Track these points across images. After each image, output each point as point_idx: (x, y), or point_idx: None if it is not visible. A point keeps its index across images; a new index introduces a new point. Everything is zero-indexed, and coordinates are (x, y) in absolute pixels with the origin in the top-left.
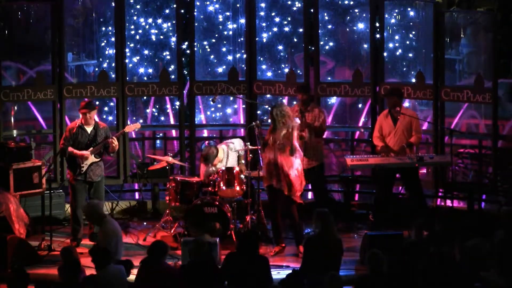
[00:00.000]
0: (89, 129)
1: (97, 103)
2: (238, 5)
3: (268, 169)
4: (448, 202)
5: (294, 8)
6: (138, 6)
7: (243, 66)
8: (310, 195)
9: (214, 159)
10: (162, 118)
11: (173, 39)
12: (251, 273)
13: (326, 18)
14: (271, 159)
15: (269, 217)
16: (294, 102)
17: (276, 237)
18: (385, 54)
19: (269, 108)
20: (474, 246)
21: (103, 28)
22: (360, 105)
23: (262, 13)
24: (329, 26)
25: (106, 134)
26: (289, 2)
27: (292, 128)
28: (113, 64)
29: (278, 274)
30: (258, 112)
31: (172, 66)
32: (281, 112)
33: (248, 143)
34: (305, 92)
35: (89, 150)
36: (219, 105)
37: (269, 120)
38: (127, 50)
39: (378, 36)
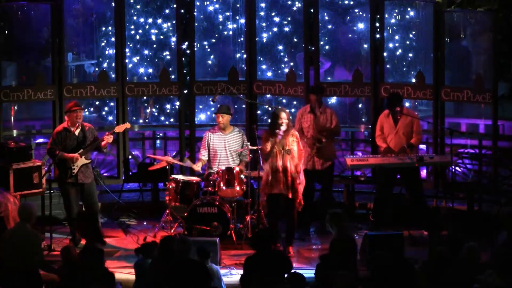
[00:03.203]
0: (76, 131)
1: (97, 103)
2: (238, 5)
3: (276, 176)
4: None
5: (294, 8)
6: (138, 6)
7: (243, 66)
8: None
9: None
10: (162, 118)
11: (173, 39)
12: None
13: (326, 18)
14: (280, 166)
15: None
16: (294, 102)
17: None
18: (385, 54)
19: (273, 110)
20: (469, 249)
21: (103, 28)
22: (360, 105)
23: (262, 13)
24: (329, 26)
25: (94, 134)
26: (289, 2)
27: (296, 136)
28: (113, 64)
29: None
30: (258, 112)
31: (172, 67)
32: (289, 116)
33: (248, 143)
34: (318, 93)
35: (79, 152)
36: (219, 105)
37: (284, 127)
38: (127, 50)
39: (378, 36)
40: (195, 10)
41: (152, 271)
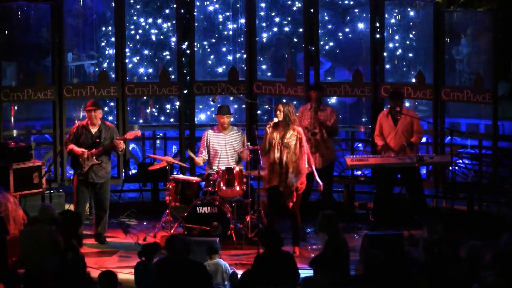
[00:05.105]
0: (93, 129)
1: None
2: (238, 5)
3: (273, 168)
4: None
5: (294, 8)
6: (138, 6)
7: (243, 66)
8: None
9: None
10: (162, 118)
11: (173, 39)
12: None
13: (326, 18)
14: (276, 158)
15: (267, 217)
16: (294, 102)
17: None
18: (385, 54)
19: (273, 106)
20: (471, 248)
21: (103, 28)
22: (362, 105)
23: (262, 13)
24: (329, 26)
25: (112, 135)
26: (289, 2)
27: (299, 132)
28: (113, 64)
29: None
30: (258, 112)
31: (172, 67)
32: (293, 110)
33: (248, 143)
34: (319, 91)
35: (91, 151)
36: (220, 106)
37: (276, 118)
38: (127, 50)
39: (378, 36)
40: (195, 10)
41: (155, 271)
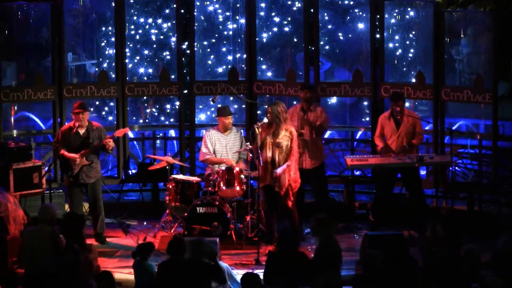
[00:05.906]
0: (81, 131)
1: (97, 103)
2: (238, 5)
3: (265, 167)
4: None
5: (294, 8)
6: (138, 6)
7: (243, 66)
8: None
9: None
10: (162, 118)
11: (173, 39)
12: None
13: (326, 18)
14: (268, 157)
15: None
16: (294, 102)
17: (269, 237)
18: (385, 54)
19: (266, 106)
20: (468, 251)
21: (103, 28)
22: (362, 105)
23: (262, 13)
24: (329, 26)
25: (100, 135)
26: (289, 2)
27: (291, 132)
28: (113, 64)
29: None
30: (258, 112)
31: (172, 67)
32: (282, 109)
33: (248, 143)
34: (309, 90)
35: (80, 153)
36: (219, 105)
37: (266, 119)
38: (127, 50)
39: (378, 36)
40: (195, 10)
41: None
